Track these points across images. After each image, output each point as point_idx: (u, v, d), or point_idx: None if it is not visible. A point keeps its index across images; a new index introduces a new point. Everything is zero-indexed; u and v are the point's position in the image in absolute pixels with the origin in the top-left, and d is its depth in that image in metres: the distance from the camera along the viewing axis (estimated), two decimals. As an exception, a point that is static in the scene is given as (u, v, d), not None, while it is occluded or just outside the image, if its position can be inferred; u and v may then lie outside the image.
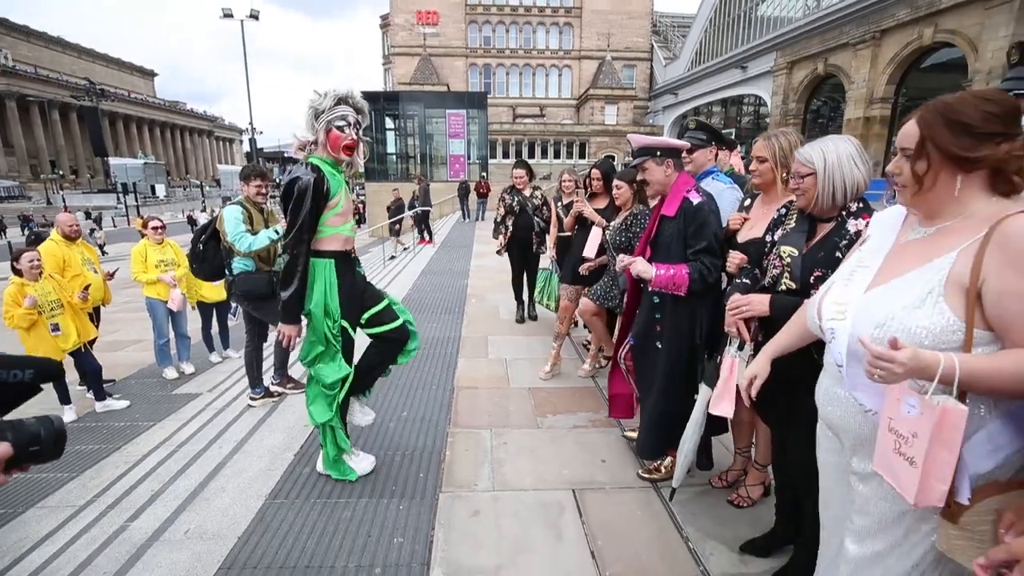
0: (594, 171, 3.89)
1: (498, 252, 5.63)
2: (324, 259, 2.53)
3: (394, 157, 29.11)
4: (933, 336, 1.01)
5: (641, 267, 2.30)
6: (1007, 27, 14.58)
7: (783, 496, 2.12)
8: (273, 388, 3.93)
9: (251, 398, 3.83)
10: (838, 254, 1.62)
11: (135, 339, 6.63)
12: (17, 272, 3.77)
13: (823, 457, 1.38)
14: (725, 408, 1.96)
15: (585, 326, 4.31)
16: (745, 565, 2.15)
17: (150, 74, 74.91)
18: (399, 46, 41.12)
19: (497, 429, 3.32)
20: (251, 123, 25.44)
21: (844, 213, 1.66)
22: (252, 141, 26.53)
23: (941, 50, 17.60)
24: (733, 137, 25.51)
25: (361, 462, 2.81)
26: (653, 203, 2.63)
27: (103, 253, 16.97)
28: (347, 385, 2.66)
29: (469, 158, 27.59)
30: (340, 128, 2.47)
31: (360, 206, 22.53)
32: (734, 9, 30.07)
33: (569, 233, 4.19)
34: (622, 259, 2.50)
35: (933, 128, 1.04)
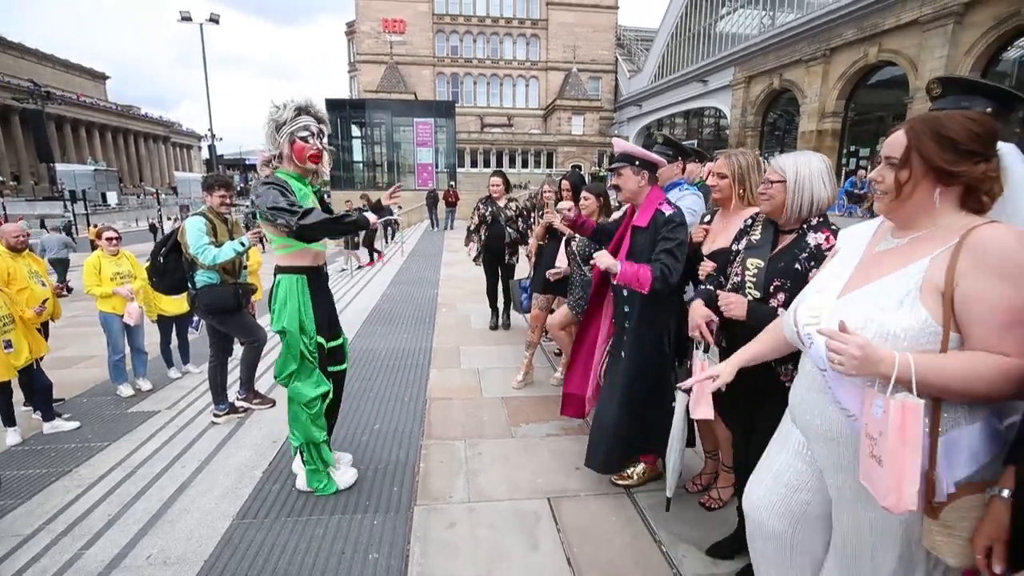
0: (564, 182, 3.96)
1: (475, 260, 5.65)
2: (295, 275, 2.48)
3: (360, 165, 28.82)
4: (911, 337, 1.06)
5: (607, 261, 2.34)
6: (942, 48, 15.60)
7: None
8: (239, 404, 3.81)
9: (215, 414, 3.69)
10: (797, 266, 1.71)
11: (87, 355, 6.30)
12: None
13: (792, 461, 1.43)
14: (704, 411, 2.00)
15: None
16: (716, 567, 2.21)
17: (101, 77, 71.74)
18: (365, 54, 40.78)
19: (471, 440, 3.31)
20: (210, 129, 24.66)
21: (805, 226, 1.75)
22: (211, 148, 25.71)
23: (885, 68, 18.65)
24: (695, 147, 26.36)
25: (344, 475, 2.76)
26: (616, 215, 2.71)
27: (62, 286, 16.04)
28: (327, 400, 2.64)
29: (437, 167, 27.56)
30: (304, 139, 2.44)
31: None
32: (694, 25, 31.12)
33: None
34: (597, 256, 2.53)
35: (921, 139, 1.11)
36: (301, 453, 2.68)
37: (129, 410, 4.27)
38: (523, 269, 5.45)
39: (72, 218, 27.84)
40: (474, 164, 36.79)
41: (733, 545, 2.22)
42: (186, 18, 21.65)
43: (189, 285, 3.56)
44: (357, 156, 28.95)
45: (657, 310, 2.43)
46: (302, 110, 2.46)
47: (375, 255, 11.61)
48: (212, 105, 23.26)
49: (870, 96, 20.10)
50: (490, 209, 5.30)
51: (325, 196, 2.85)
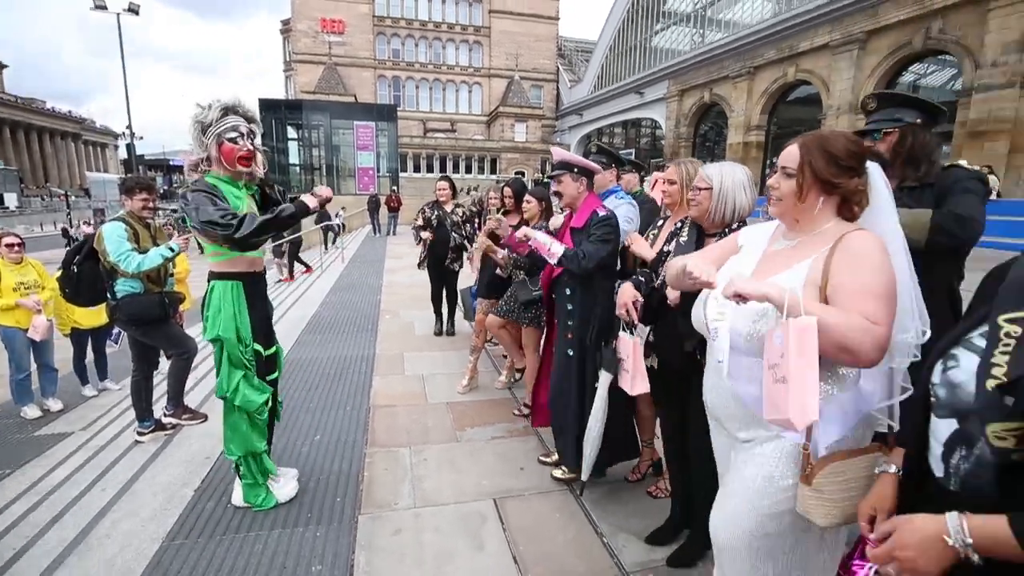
0: (506, 189, 4.04)
1: (419, 265, 5.62)
2: (230, 281, 2.40)
3: (297, 168, 27.78)
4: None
5: (527, 230, 2.49)
6: (849, 71, 17.18)
7: (676, 484, 2.34)
8: (167, 420, 3.58)
9: (139, 432, 3.45)
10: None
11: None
12: None
13: (715, 442, 1.56)
14: (640, 386, 2.12)
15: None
16: (654, 552, 2.33)
17: (-2, 66, 65.01)
18: (302, 53, 39.38)
19: (416, 446, 3.30)
20: (129, 127, 22.91)
21: (727, 230, 1.92)
22: (130, 147, 23.87)
23: (802, 86, 20.25)
24: (634, 157, 27.26)
25: (284, 487, 2.68)
26: (554, 223, 2.84)
27: None
28: (268, 407, 2.58)
29: (379, 171, 27.04)
30: (232, 140, 2.35)
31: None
32: (631, 39, 32.42)
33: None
34: (523, 231, 2.64)
35: (813, 154, 1.29)
36: (238, 467, 2.57)
37: (36, 433, 3.92)
38: (467, 274, 5.47)
39: (-37, 222, 25.04)
40: (417, 169, 36.39)
41: (669, 531, 2.35)
42: (100, 7, 20.06)
43: (108, 296, 3.32)
44: (294, 159, 27.86)
45: (595, 305, 2.54)
46: (229, 110, 2.37)
47: (304, 267, 10.92)
48: (131, 101, 21.70)
49: (790, 112, 21.73)
50: (436, 213, 5.30)
51: (273, 188, 2.71)
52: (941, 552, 0.85)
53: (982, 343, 0.92)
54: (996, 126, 13.11)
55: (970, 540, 0.82)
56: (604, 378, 2.34)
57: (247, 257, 2.45)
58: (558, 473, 2.87)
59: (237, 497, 2.62)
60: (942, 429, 0.96)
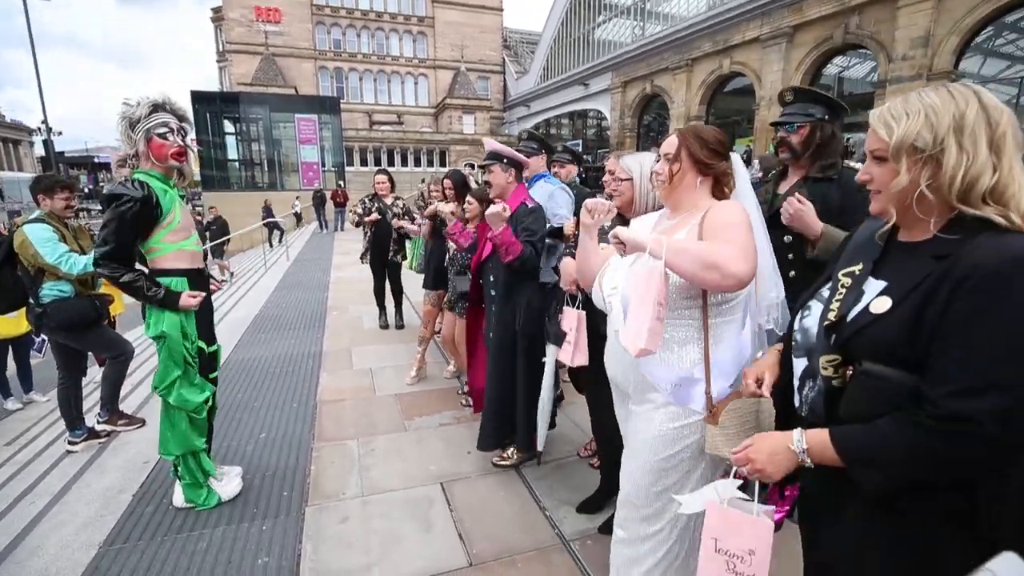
0: (446, 181, 4.11)
1: (361, 258, 5.60)
2: (175, 277, 2.37)
3: (236, 164, 26.56)
4: (675, 283, 1.40)
5: (496, 209, 2.50)
6: (779, 63, 18.11)
7: (603, 455, 2.52)
8: (100, 428, 3.45)
9: (70, 442, 3.31)
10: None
11: None
12: None
13: (618, 411, 1.72)
14: (580, 359, 2.25)
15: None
16: (592, 521, 2.49)
17: None
18: (236, 43, 37.40)
19: (364, 438, 3.34)
20: (44, 121, 21.17)
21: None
22: (48, 143, 22.09)
23: (737, 78, 21.16)
24: (580, 149, 27.61)
25: (227, 485, 2.67)
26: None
27: None
28: (209, 405, 2.57)
29: (324, 165, 26.28)
30: (163, 136, 2.33)
31: (198, 217, 20.13)
32: (575, 31, 32.75)
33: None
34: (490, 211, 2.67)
35: (689, 140, 1.52)
36: (176, 467, 2.54)
37: (-47, 450, 3.67)
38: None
39: None
40: (364, 163, 35.45)
41: (598, 500, 2.53)
42: (4, -9, 18.36)
43: (31, 301, 3.15)
44: (232, 154, 26.61)
45: (514, 289, 2.68)
46: (158, 107, 2.34)
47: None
48: (48, 94, 20.04)
49: (727, 102, 22.68)
50: (376, 206, 5.29)
51: (194, 200, 2.72)
52: (784, 458, 1.05)
53: (827, 294, 1.13)
54: (907, 115, 14.21)
55: (805, 446, 1.02)
56: (551, 351, 2.43)
57: (187, 251, 2.44)
58: (496, 459, 2.96)
59: (178, 498, 2.59)
60: (797, 367, 1.15)
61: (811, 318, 1.14)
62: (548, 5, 35.16)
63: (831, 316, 1.04)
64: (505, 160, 2.68)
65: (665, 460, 1.47)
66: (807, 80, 17.57)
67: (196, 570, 2.17)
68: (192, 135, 2.48)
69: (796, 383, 1.16)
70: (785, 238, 2.19)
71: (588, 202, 1.65)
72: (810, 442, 1.02)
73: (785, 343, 1.26)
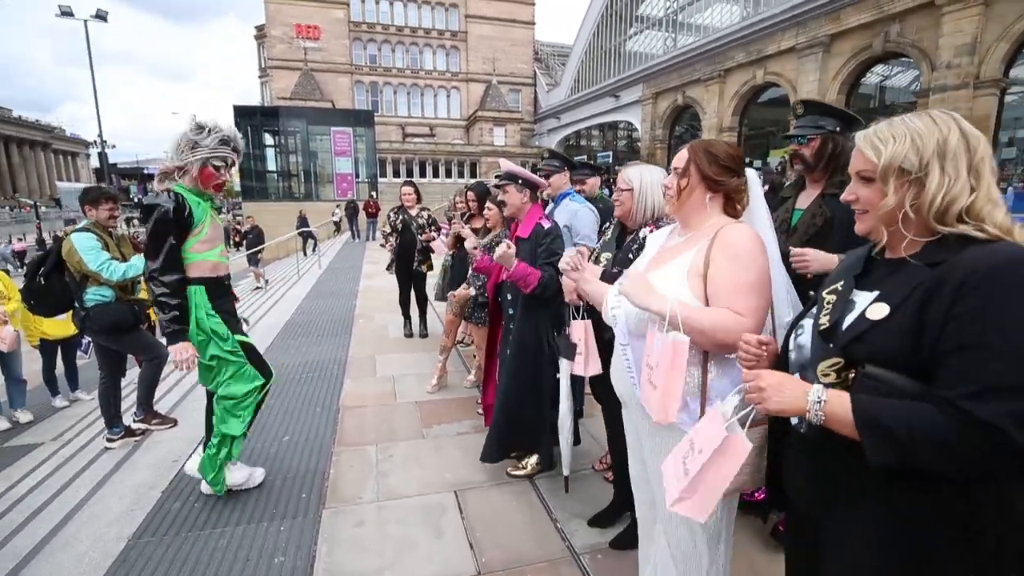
0: (469, 193, 4.18)
1: (387, 269, 5.73)
2: (194, 285, 2.49)
3: (275, 175, 27.56)
4: None
5: (502, 251, 2.51)
6: (815, 73, 17.70)
7: (617, 468, 2.49)
8: (136, 426, 3.63)
9: (108, 439, 3.49)
10: (631, 255, 2.04)
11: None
12: None
13: (626, 424, 1.71)
14: (594, 367, 2.23)
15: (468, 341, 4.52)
16: (603, 535, 2.47)
17: (-39, 75, 63.15)
18: (277, 59, 39.05)
19: (383, 444, 3.40)
20: (100, 135, 22.48)
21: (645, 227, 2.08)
22: (103, 156, 23.45)
23: (772, 88, 20.79)
24: (611, 160, 27.44)
25: (236, 472, 2.79)
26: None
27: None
28: (264, 392, 2.73)
29: (358, 177, 26.97)
30: (216, 168, 2.49)
31: (237, 226, 20.95)
32: (606, 43, 32.86)
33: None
34: (497, 252, 2.72)
35: (698, 155, 1.48)
36: (210, 446, 2.67)
37: (4, 445, 3.93)
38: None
39: (-74, 235, 24.31)
40: (396, 174, 36.26)
41: (610, 514, 2.50)
42: (67, 13, 19.69)
43: (76, 305, 3.36)
44: (271, 166, 27.64)
45: (537, 312, 2.68)
46: (225, 142, 2.51)
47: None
48: (103, 109, 21.30)
49: (760, 113, 22.29)
50: (401, 217, 5.41)
51: (235, 210, 2.89)
52: (791, 397, 1.00)
53: (815, 311, 1.14)
54: (952, 125, 13.65)
55: (823, 398, 0.96)
56: (564, 366, 2.42)
57: (209, 261, 2.55)
58: (511, 469, 2.98)
59: (193, 465, 2.73)
60: None
61: (805, 335, 1.14)
62: (579, 18, 35.43)
63: (822, 323, 1.06)
64: (520, 181, 2.72)
65: None
66: (844, 90, 17.14)
67: (216, 565, 2.26)
68: (236, 166, 2.64)
69: None
70: None
71: (562, 263, 1.72)
72: (830, 397, 0.97)
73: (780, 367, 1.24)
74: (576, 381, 2.55)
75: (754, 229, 1.43)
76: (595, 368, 2.27)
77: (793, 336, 1.18)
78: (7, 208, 46.06)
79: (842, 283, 1.10)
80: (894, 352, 0.93)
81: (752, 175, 1.51)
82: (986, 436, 0.82)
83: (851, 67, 16.79)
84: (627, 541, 2.33)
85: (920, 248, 0.97)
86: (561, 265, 1.73)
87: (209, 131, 2.46)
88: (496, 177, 2.99)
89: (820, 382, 1.01)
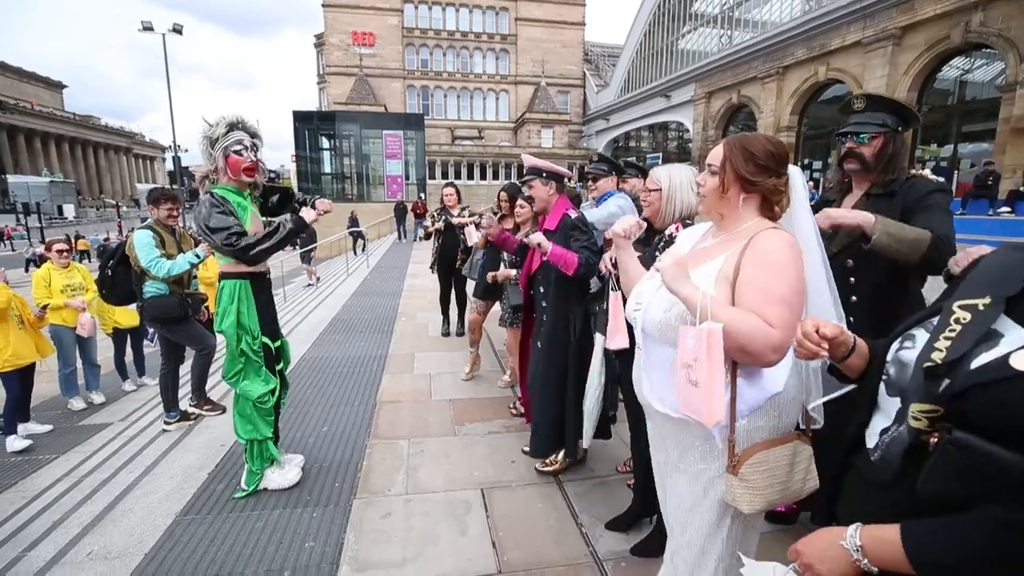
0: (502, 194, 4.21)
1: (431, 268, 5.84)
2: (236, 280, 2.63)
3: (330, 177, 28.69)
4: None
5: (539, 238, 2.54)
6: (883, 68, 16.63)
7: (638, 473, 2.43)
8: (190, 410, 3.89)
9: (166, 422, 3.76)
10: (657, 253, 1.99)
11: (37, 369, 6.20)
12: None
13: (649, 427, 1.65)
14: (620, 341, 2.15)
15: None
16: (628, 542, 2.42)
17: (57, 86, 69.41)
18: (334, 66, 40.74)
19: (416, 439, 3.48)
20: (174, 141, 24.21)
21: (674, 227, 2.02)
22: (176, 159, 25.21)
23: (834, 85, 19.71)
24: (660, 161, 26.88)
25: (287, 474, 2.88)
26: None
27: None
28: (275, 396, 2.79)
29: (407, 178, 27.66)
30: (238, 152, 2.60)
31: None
32: (657, 42, 32.22)
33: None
34: (530, 237, 2.71)
35: (733, 153, 1.36)
36: (246, 459, 2.81)
37: (80, 423, 4.29)
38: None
39: (27, 231, 26.90)
40: (445, 176, 36.99)
41: (629, 519, 2.45)
42: (148, 28, 21.33)
43: (138, 296, 3.64)
44: (326, 168, 28.84)
45: (568, 305, 2.67)
46: (233, 126, 2.62)
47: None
48: (176, 116, 22.91)
49: (821, 111, 21.15)
50: (444, 218, 5.51)
51: (289, 194, 3.03)
52: (836, 556, 0.88)
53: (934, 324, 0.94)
54: (1041, 122, 12.49)
55: (859, 543, 0.85)
56: (599, 340, 2.38)
57: None
58: (539, 465, 2.99)
59: (243, 481, 2.85)
60: (890, 406, 0.97)
61: (912, 351, 0.94)
62: (631, 17, 34.90)
63: (935, 356, 0.84)
64: (545, 174, 2.71)
65: (708, 500, 1.39)
66: (917, 86, 16.04)
67: (252, 545, 2.38)
68: (263, 150, 2.74)
69: (880, 424, 0.99)
70: (848, 262, 2.03)
71: (619, 224, 1.62)
72: (866, 540, 0.84)
73: (869, 372, 1.08)
74: (611, 381, 2.51)
75: (791, 236, 1.31)
76: (621, 342, 2.16)
77: (897, 346, 1.00)
78: (95, 208, 50.29)
79: (987, 301, 0.86)
80: (1015, 420, 0.73)
81: (796, 174, 1.39)
82: None
83: (925, 61, 15.66)
84: (648, 548, 2.28)
85: None
86: (616, 228, 1.62)
87: (216, 123, 2.59)
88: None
89: (910, 423, 0.85)
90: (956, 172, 15.18)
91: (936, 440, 0.80)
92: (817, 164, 21.03)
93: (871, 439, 1.00)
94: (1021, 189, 11.68)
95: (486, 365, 4.84)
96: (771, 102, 21.81)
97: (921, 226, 1.83)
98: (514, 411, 3.85)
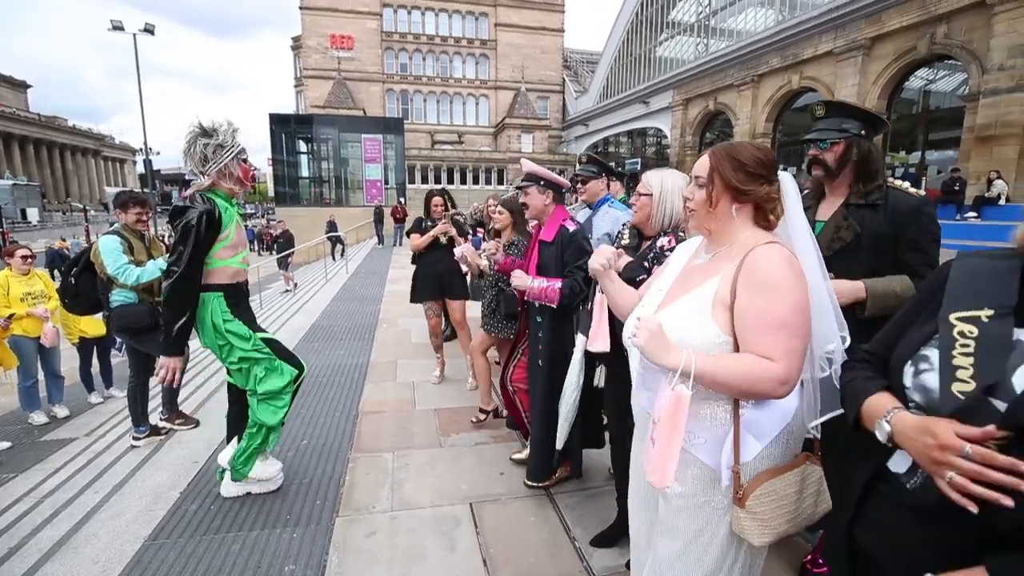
0: (435, 198, 4.23)
1: (412, 262, 5.65)
2: (211, 293, 2.50)
3: (307, 181, 28.22)
4: (706, 345, 1.21)
5: (518, 280, 2.52)
6: (854, 77, 17.11)
7: (621, 489, 2.37)
8: (161, 424, 3.69)
9: (134, 437, 3.57)
10: (645, 263, 1.95)
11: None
12: None
13: (634, 450, 1.58)
14: (601, 344, 2.05)
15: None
16: (623, 557, 2.36)
17: (21, 85, 66.82)
18: (312, 69, 40.20)
19: (400, 451, 3.36)
20: (145, 143, 23.50)
21: (663, 234, 1.98)
22: (147, 162, 24.48)
23: (808, 93, 20.19)
24: (639, 167, 27.26)
25: (268, 467, 2.79)
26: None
27: None
28: (300, 382, 2.73)
29: (387, 183, 27.36)
30: (245, 160, 2.51)
31: (269, 232, 21.54)
32: (636, 49, 32.63)
33: None
34: (515, 275, 2.68)
35: (721, 162, 1.30)
36: (244, 437, 2.68)
37: (42, 438, 4.07)
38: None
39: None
40: (424, 180, 36.73)
41: (613, 534, 2.40)
42: (118, 27, 20.72)
43: (104, 305, 3.45)
44: (303, 172, 28.34)
45: (564, 320, 2.60)
46: (236, 132, 2.51)
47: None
48: (148, 118, 22.27)
49: (795, 119, 21.64)
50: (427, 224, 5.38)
51: (268, 215, 2.92)
52: None
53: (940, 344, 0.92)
54: (1004, 130, 12.95)
55: None
56: (579, 341, 2.31)
57: (230, 268, 2.55)
58: (530, 480, 2.89)
59: (225, 456, 2.75)
60: None
61: (931, 374, 0.90)
62: (609, 25, 35.32)
63: (965, 377, 0.82)
64: (543, 182, 2.65)
65: (703, 535, 1.31)
66: (886, 95, 16.53)
67: (228, 570, 2.24)
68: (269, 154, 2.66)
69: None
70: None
71: (595, 259, 1.59)
72: None
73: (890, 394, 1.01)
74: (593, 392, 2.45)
75: (787, 250, 1.24)
76: (601, 345, 2.05)
77: (911, 372, 0.95)
78: (61, 212, 48.52)
79: (989, 313, 0.85)
80: None
81: (787, 180, 1.33)
82: None
83: (893, 71, 16.17)
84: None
85: None
86: (593, 264, 1.59)
87: (226, 129, 2.46)
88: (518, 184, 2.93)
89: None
90: (924, 179, 15.67)
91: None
92: (792, 170, 21.50)
93: (901, 464, 0.95)
94: (986, 195, 12.09)
95: (452, 373, 4.76)
96: (747, 109, 22.26)
97: (915, 263, 1.86)
98: (474, 420, 3.74)
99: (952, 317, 0.88)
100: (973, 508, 0.76)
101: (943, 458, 0.79)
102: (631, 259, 2.06)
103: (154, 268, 3.36)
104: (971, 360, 0.82)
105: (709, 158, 1.33)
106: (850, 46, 17.06)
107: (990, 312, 0.84)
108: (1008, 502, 0.73)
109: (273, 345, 2.67)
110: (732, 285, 1.22)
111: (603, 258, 1.53)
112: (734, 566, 1.30)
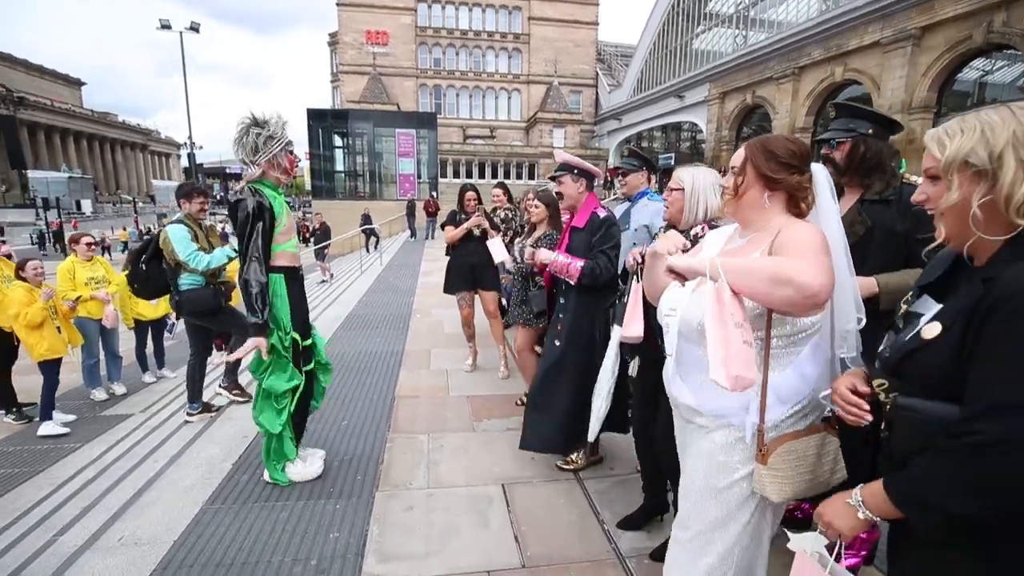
0: (468, 193, 4.37)
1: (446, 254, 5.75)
2: (274, 274, 2.66)
3: (342, 175, 28.85)
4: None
5: (543, 255, 2.64)
6: (902, 69, 16.39)
7: (647, 472, 2.43)
8: (219, 392, 3.97)
9: (188, 413, 3.81)
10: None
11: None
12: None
13: (676, 430, 1.63)
14: (635, 329, 2.12)
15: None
16: (651, 539, 2.42)
17: (76, 83, 70.39)
18: (348, 64, 40.95)
19: (435, 434, 3.50)
20: (190, 137, 24.57)
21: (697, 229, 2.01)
22: (191, 156, 25.56)
23: (851, 86, 19.46)
24: (672, 162, 26.82)
25: (310, 466, 2.90)
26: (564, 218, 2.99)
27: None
28: (298, 394, 2.79)
29: (419, 177, 27.71)
30: (292, 152, 2.66)
31: (306, 225, 22.16)
32: (671, 42, 32.02)
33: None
34: (536, 253, 2.77)
35: (754, 152, 1.38)
36: (262, 450, 2.83)
37: (103, 413, 4.36)
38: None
39: (45, 226, 27.39)
40: (456, 175, 37.03)
41: (642, 517, 2.46)
42: (166, 26, 21.63)
43: (172, 289, 3.69)
44: (339, 166, 28.98)
45: (592, 302, 2.66)
46: (285, 125, 2.66)
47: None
48: (192, 113, 23.19)
49: (837, 113, 20.93)
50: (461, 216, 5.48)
51: (304, 208, 3.06)
52: (848, 515, 1.05)
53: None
54: (1066, 124, 12.23)
55: (860, 498, 1.03)
56: (615, 332, 2.35)
57: (287, 252, 2.71)
58: (560, 463, 2.98)
59: (265, 475, 2.88)
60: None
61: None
62: (644, 17, 34.73)
63: (888, 345, 1.06)
64: (576, 171, 2.71)
65: (720, 489, 1.39)
66: (936, 87, 15.79)
67: (279, 534, 2.41)
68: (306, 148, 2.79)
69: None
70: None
71: (662, 241, 1.57)
72: (864, 495, 1.02)
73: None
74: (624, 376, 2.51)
75: (819, 228, 1.32)
76: (636, 331, 2.13)
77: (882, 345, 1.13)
78: (111, 204, 51.02)
79: (913, 293, 1.07)
80: (938, 372, 0.92)
81: (819, 171, 1.39)
82: (994, 455, 0.82)
83: (945, 62, 15.41)
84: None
85: (993, 254, 0.92)
86: (659, 248, 1.49)
87: (277, 121, 2.60)
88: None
89: (880, 400, 1.05)
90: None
91: (889, 408, 1.01)
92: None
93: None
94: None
95: (485, 363, 4.87)
96: (786, 103, 21.60)
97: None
98: (518, 403, 3.85)
99: (902, 300, 1.11)
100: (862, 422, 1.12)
101: (835, 398, 1.19)
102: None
103: (221, 255, 3.57)
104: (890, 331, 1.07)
105: (745, 150, 1.41)
106: (898, 36, 16.33)
107: (913, 292, 1.08)
108: (868, 418, 1.10)
109: (295, 349, 2.74)
110: (768, 252, 1.30)
111: (671, 243, 1.50)
112: (751, 519, 1.38)
